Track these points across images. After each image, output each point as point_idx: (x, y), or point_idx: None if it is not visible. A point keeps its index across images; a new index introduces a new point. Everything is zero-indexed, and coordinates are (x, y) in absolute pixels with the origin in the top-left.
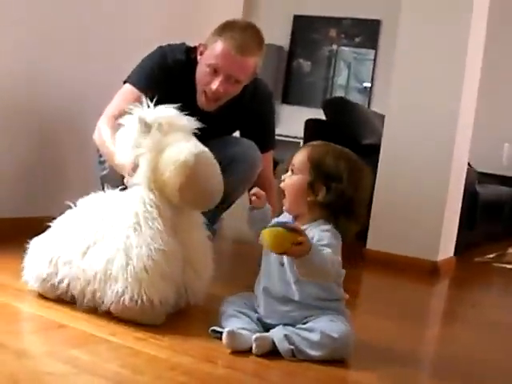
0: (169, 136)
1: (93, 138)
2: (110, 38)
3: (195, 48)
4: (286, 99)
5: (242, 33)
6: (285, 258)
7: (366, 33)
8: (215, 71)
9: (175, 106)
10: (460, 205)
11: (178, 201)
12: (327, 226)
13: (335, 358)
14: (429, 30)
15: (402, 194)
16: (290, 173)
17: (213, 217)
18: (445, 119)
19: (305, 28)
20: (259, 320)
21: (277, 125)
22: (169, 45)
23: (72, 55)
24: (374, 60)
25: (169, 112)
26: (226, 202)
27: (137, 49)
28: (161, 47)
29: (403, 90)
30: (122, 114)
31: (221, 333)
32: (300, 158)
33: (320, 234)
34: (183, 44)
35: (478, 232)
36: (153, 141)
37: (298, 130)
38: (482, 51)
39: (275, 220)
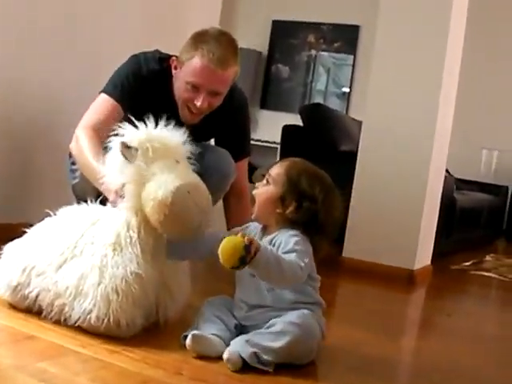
0: (153, 165)
1: (70, 146)
2: (86, 46)
3: (169, 57)
4: (265, 104)
5: (218, 45)
6: None
7: (345, 38)
8: (195, 88)
9: (160, 119)
10: (437, 213)
11: (162, 232)
12: (295, 232)
13: (300, 352)
14: (406, 35)
15: (379, 201)
16: (264, 182)
17: None
18: (422, 126)
19: (283, 33)
20: (237, 327)
21: (255, 130)
22: (142, 53)
23: (46, 61)
24: (353, 65)
25: (156, 134)
26: None
27: (113, 57)
28: (134, 56)
29: (380, 96)
30: (99, 125)
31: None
32: (277, 170)
33: (287, 239)
34: (156, 52)
35: (456, 239)
36: (136, 171)
37: (276, 136)
38: (460, 57)
39: (247, 226)
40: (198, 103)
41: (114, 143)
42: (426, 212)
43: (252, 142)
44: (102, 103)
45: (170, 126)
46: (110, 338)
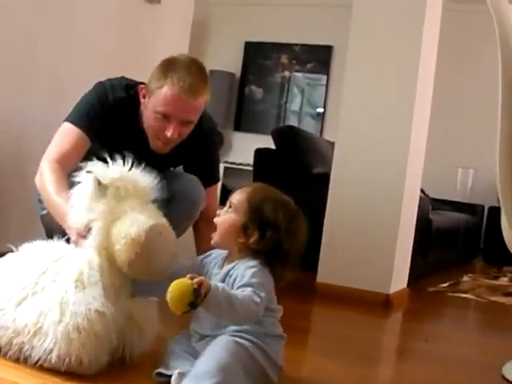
0: (124, 203)
1: (35, 180)
2: (48, 72)
3: (136, 84)
4: (238, 127)
5: (189, 73)
6: None
7: (318, 58)
8: (166, 117)
9: (128, 148)
10: (413, 235)
11: (127, 272)
12: (253, 262)
13: None
14: (378, 55)
15: (353, 224)
16: (226, 208)
17: None
18: (395, 147)
19: (256, 54)
20: None
21: (229, 152)
22: (108, 80)
23: (10, 83)
24: (327, 86)
25: (128, 175)
26: None
27: (77, 83)
28: (100, 83)
29: (352, 116)
30: (63, 156)
31: (168, 376)
32: (239, 197)
33: (243, 272)
34: (123, 79)
35: (432, 260)
36: (106, 208)
37: (251, 158)
38: (432, 76)
39: (209, 254)
40: (169, 133)
41: (83, 179)
42: (401, 234)
43: (226, 165)
44: (67, 133)
45: (140, 168)
46: (73, 376)
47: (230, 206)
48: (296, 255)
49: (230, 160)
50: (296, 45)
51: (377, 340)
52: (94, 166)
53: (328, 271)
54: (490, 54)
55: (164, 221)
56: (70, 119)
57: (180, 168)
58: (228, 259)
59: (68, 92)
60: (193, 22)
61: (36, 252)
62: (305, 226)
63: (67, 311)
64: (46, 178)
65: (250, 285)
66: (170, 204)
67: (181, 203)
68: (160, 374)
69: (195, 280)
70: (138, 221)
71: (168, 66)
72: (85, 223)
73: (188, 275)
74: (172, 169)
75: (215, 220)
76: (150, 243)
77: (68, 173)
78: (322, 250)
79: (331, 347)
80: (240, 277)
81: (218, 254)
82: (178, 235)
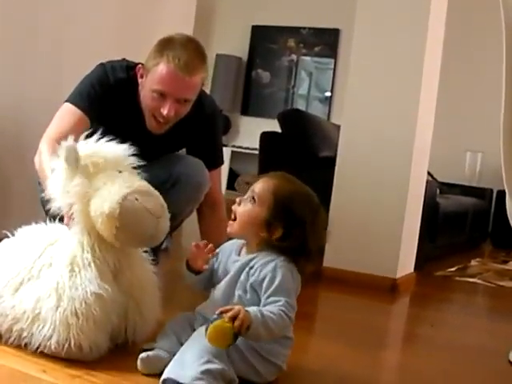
0: (96, 179)
1: (34, 160)
2: (49, 55)
3: (136, 64)
4: (246, 111)
5: (185, 50)
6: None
7: (326, 42)
8: (162, 96)
9: (126, 129)
10: (420, 219)
11: (119, 245)
12: (279, 258)
13: None
14: (384, 38)
15: (359, 208)
16: (248, 198)
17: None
18: (402, 130)
19: (263, 38)
20: None
21: (236, 136)
22: (109, 62)
23: (9, 71)
24: (334, 69)
25: (95, 149)
26: (173, 223)
27: (79, 65)
28: (102, 64)
29: (358, 100)
30: (62, 137)
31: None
32: (264, 188)
33: (273, 272)
34: (124, 60)
35: (440, 244)
36: (80, 189)
37: (258, 142)
38: (439, 58)
39: (224, 247)
40: (165, 111)
41: (55, 164)
42: (408, 218)
43: (234, 149)
44: (67, 113)
45: (110, 139)
46: (73, 362)
47: (254, 197)
48: (319, 250)
49: (238, 144)
50: (303, 28)
51: (383, 325)
52: (62, 149)
53: (334, 256)
54: (499, 34)
55: (140, 184)
56: (71, 100)
57: (183, 151)
58: (246, 248)
59: (67, 77)
60: (198, 7)
61: (31, 236)
62: (327, 220)
63: (64, 296)
64: (43, 158)
65: (282, 294)
66: (175, 186)
67: (185, 186)
68: (144, 350)
69: (236, 324)
70: (109, 194)
71: (164, 45)
72: (67, 206)
73: (226, 316)
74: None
75: (234, 208)
76: (127, 213)
77: None
78: (327, 234)
79: (337, 332)
80: (269, 279)
81: (230, 243)
82: (184, 218)
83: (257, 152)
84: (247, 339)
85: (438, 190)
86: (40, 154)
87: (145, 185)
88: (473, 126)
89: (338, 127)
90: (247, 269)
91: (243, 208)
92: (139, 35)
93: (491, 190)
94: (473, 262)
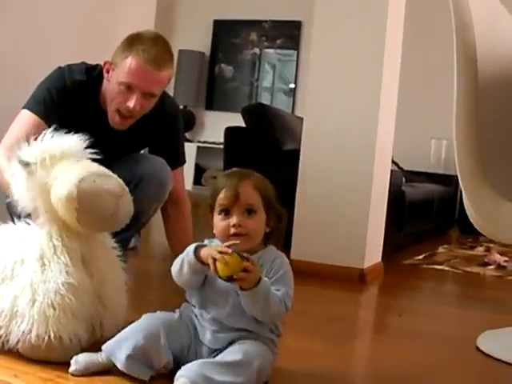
0: (54, 169)
1: None
2: (12, 59)
3: (96, 66)
4: (210, 105)
5: (154, 45)
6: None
7: (288, 34)
8: (129, 89)
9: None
10: (385, 208)
11: (83, 229)
12: (282, 258)
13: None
14: (344, 29)
15: (324, 200)
16: (243, 213)
17: (123, 239)
18: (364, 121)
19: (225, 33)
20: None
21: (201, 131)
22: (68, 65)
23: None
24: (297, 61)
25: (50, 143)
26: (138, 222)
27: (41, 71)
28: (59, 68)
29: (320, 91)
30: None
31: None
32: (251, 194)
33: (277, 266)
34: (83, 64)
35: (407, 233)
36: (39, 182)
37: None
38: (400, 47)
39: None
40: (131, 104)
41: (14, 167)
42: (374, 208)
43: (199, 144)
44: (25, 121)
45: (63, 132)
46: (45, 365)
47: (250, 210)
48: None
49: (203, 139)
50: (265, 21)
51: (351, 316)
52: (18, 151)
53: (301, 248)
54: None
55: (98, 169)
56: (27, 106)
57: (146, 151)
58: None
59: (28, 78)
60: (159, 2)
61: (1, 236)
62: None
63: (39, 291)
64: (2, 168)
65: (284, 284)
66: (138, 186)
67: (148, 185)
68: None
69: (248, 266)
70: (67, 178)
71: (133, 40)
72: (31, 205)
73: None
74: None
75: (239, 231)
76: (85, 194)
77: None
78: (294, 226)
79: (305, 324)
80: (275, 270)
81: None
82: (149, 217)
83: (222, 146)
84: (244, 296)
85: (403, 179)
86: None
87: (103, 169)
88: (437, 113)
89: (302, 120)
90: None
91: (252, 225)
92: (101, 34)
93: (457, 177)
94: (440, 249)
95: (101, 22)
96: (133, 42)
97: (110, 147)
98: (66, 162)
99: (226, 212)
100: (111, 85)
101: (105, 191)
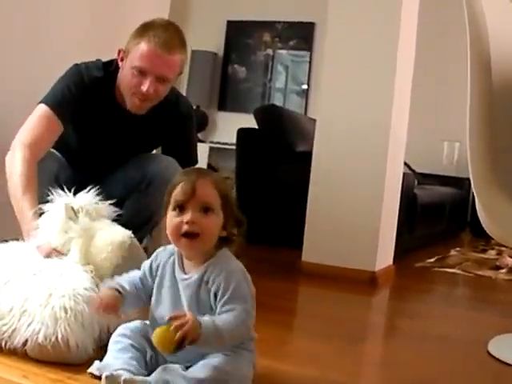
0: (96, 222)
1: (6, 159)
2: (24, 54)
3: (112, 60)
4: (223, 106)
5: (165, 31)
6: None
7: (301, 36)
8: (142, 73)
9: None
10: (397, 211)
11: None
12: (233, 264)
13: None
14: (358, 31)
15: (336, 202)
16: (199, 212)
17: (139, 240)
18: (377, 123)
19: (238, 33)
20: (152, 358)
21: (214, 132)
22: (84, 63)
23: None
24: (310, 62)
25: (92, 199)
26: (150, 222)
27: (53, 63)
28: (76, 65)
29: (333, 93)
30: (36, 140)
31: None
32: (210, 194)
33: (225, 281)
34: (99, 60)
35: (419, 236)
36: (83, 226)
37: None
38: (413, 49)
39: (160, 255)
40: (145, 88)
41: (51, 207)
42: (386, 210)
43: (211, 145)
44: (42, 116)
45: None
46: (55, 366)
47: (206, 209)
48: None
49: (216, 140)
50: (278, 22)
51: (362, 319)
52: (62, 195)
53: (313, 250)
54: None
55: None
56: (45, 101)
57: (158, 151)
58: (191, 259)
59: (42, 74)
60: (173, 2)
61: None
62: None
63: (54, 294)
64: (15, 167)
65: (238, 301)
66: (150, 186)
67: (160, 185)
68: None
69: (178, 335)
70: (118, 231)
71: (145, 27)
72: (62, 243)
73: (172, 323)
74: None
75: (192, 230)
76: (134, 247)
77: (38, 159)
78: (306, 228)
79: (316, 326)
80: (223, 288)
81: (165, 253)
82: (160, 217)
83: (234, 147)
84: (195, 346)
85: (415, 181)
86: (13, 158)
87: None
88: (450, 115)
89: (314, 121)
90: (203, 285)
91: (206, 224)
92: (112, 35)
93: (469, 180)
94: (452, 252)
95: (113, 23)
96: (145, 28)
97: (126, 142)
98: (107, 221)
99: (181, 208)
100: (125, 71)
101: (140, 252)
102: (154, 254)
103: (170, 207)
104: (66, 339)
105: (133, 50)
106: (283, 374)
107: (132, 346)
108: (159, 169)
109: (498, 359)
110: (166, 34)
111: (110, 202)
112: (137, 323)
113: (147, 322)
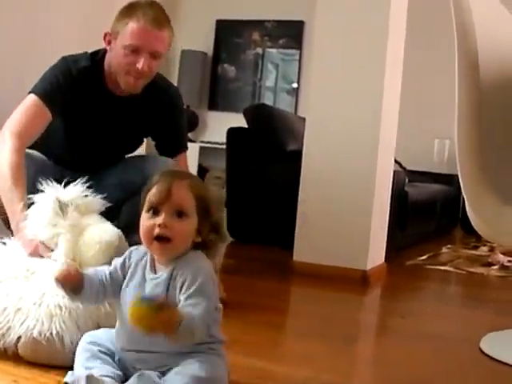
0: (86, 217)
1: None
2: (17, 44)
3: (99, 50)
4: (213, 106)
5: (151, 8)
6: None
7: (290, 34)
8: (135, 51)
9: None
10: (388, 209)
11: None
12: (202, 262)
13: None
14: (346, 29)
15: (327, 201)
16: (172, 215)
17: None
18: (367, 121)
19: (228, 33)
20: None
21: (204, 132)
22: (71, 55)
23: None
24: (299, 61)
25: (81, 192)
26: None
27: (45, 56)
28: (64, 58)
29: (322, 92)
30: (25, 129)
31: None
32: (185, 197)
33: (192, 274)
34: (86, 52)
35: (410, 233)
36: (71, 221)
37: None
38: (402, 47)
39: (131, 254)
40: (140, 65)
41: (42, 199)
42: (377, 209)
43: (202, 145)
44: (30, 105)
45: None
46: (47, 369)
47: (180, 213)
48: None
49: (206, 139)
50: (268, 21)
51: (354, 318)
52: (51, 188)
53: (304, 249)
54: None
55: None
56: (34, 90)
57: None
58: (161, 260)
59: (33, 68)
60: (162, 3)
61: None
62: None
63: (48, 293)
64: (3, 156)
65: (203, 296)
66: (145, 186)
67: None
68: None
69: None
70: (107, 229)
71: (130, 8)
72: (49, 237)
73: (155, 304)
74: (147, 153)
75: (164, 233)
76: (123, 246)
77: (27, 146)
78: (297, 228)
79: (308, 326)
80: (190, 280)
81: (139, 252)
82: None
83: (224, 147)
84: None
85: (406, 179)
86: (1, 148)
87: None
88: (440, 113)
89: (304, 120)
90: (171, 282)
91: (178, 227)
92: (102, 33)
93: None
94: (444, 250)
95: (103, 21)
96: (131, 8)
97: (117, 130)
98: (97, 217)
99: (155, 211)
100: (115, 51)
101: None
102: (128, 251)
103: (145, 208)
104: (61, 336)
105: (122, 31)
106: (277, 375)
107: (100, 351)
108: (154, 169)
109: (490, 356)
110: (153, 11)
111: (107, 204)
112: (101, 330)
113: (112, 330)
